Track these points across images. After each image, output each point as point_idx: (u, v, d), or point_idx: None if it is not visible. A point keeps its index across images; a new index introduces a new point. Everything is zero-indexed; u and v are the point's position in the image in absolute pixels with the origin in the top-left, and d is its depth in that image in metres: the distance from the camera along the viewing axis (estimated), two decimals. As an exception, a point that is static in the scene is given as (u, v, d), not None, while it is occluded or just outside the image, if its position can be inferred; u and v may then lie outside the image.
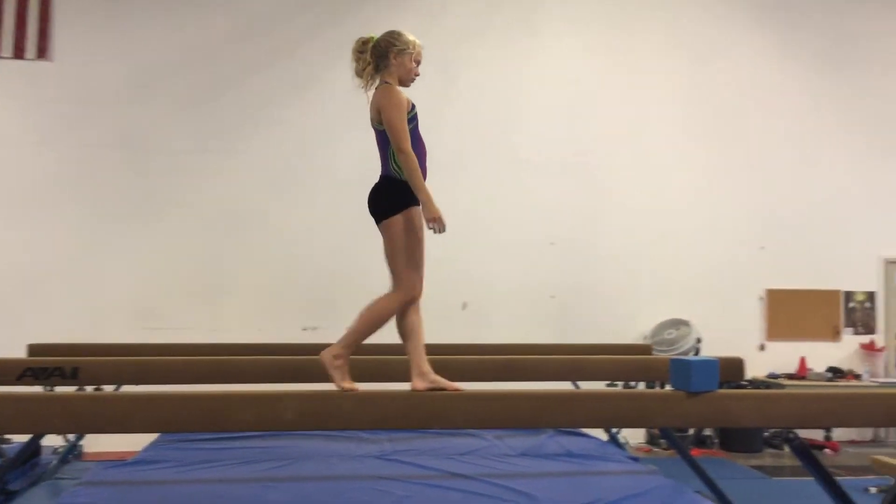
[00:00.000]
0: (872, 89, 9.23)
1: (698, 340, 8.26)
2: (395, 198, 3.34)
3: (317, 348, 5.61)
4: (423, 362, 3.29)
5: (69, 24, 8.14)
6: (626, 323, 8.45)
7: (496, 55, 8.71)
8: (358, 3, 8.50)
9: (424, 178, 3.35)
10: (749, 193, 8.95)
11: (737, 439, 8.18)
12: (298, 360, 4.69)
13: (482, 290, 8.36)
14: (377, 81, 3.47)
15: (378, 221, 3.38)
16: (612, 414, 3.35)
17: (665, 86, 8.95)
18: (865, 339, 9.03)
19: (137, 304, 7.91)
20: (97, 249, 7.97)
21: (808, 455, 3.36)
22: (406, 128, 3.31)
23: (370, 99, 3.46)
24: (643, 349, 6.41)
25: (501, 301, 8.37)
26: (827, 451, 8.20)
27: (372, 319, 3.34)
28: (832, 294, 9.06)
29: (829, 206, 9.01)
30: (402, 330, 3.39)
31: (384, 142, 3.38)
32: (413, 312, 3.39)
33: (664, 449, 8.01)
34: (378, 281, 8.87)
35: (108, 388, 4.66)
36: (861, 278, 9.09)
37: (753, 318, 8.93)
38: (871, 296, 9.12)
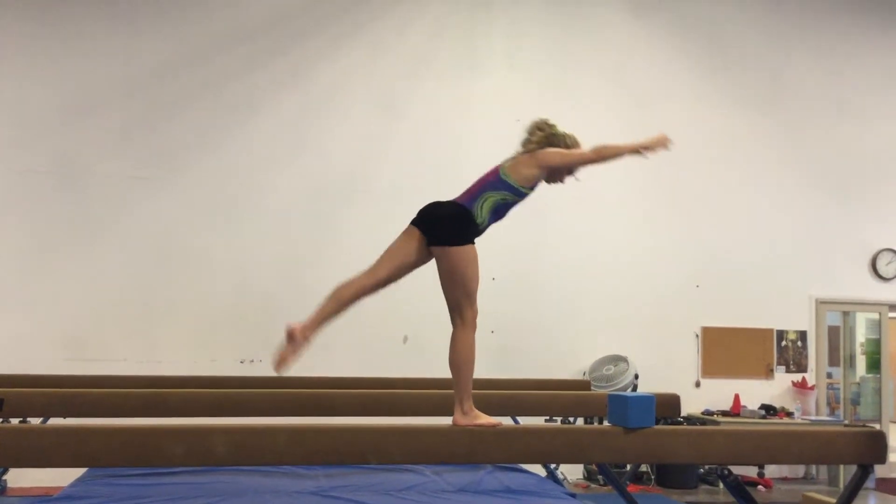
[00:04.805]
0: (804, 131, 9.53)
1: (636, 377, 8.34)
2: (469, 230, 3.36)
3: (254, 381, 5.55)
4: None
5: (2, 47, 7.96)
6: (565, 359, 8.50)
7: (440, 91, 8.78)
8: (302, 35, 8.49)
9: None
10: (685, 232, 9.13)
11: (673, 475, 8.26)
12: (235, 394, 4.60)
13: (423, 324, 8.32)
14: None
15: (443, 243, 3.33)
16: (549, 449, 3.35)
17: (605, 125, 9.08)
18: (797, 377, 9.22)
19: (68, 333, 7.66)
20: (27, 276, 7.74)
21: (742, 491, 3.40)
22: (569, 152, 3.50)
23: (521, 156, 3.57)
24: (582, 385, 6.44)
25: (442, 335, 8.33)
26: (760, 487, 8.31)
27: (463, 363, 3.32)
28: (765, 332, 9.25)
29: (762, 247, 9.23)
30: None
31: (494, 185, 3.44)
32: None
33: (602, 485, 8.04)
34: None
35: (35, 421, 4.50)
36: (792, 317, 9.31)
37: (689, 355, 9.06)
38: (802, 335, 9.33)
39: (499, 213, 3.45)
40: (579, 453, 3.53)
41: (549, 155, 3.49)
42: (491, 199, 3.41)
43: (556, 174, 3.59)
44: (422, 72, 8.78)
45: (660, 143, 3.49)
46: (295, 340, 3.21)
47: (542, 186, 3.65)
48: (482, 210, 3.39)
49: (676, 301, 8.96)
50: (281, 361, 3.23)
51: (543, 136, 3.56)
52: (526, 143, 3.59)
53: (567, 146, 3.55)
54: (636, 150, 3.52)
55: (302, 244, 8.23)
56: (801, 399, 9.05)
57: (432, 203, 3.44)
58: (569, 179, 3.62)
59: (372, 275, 3.40)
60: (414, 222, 3.41)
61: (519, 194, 3.46)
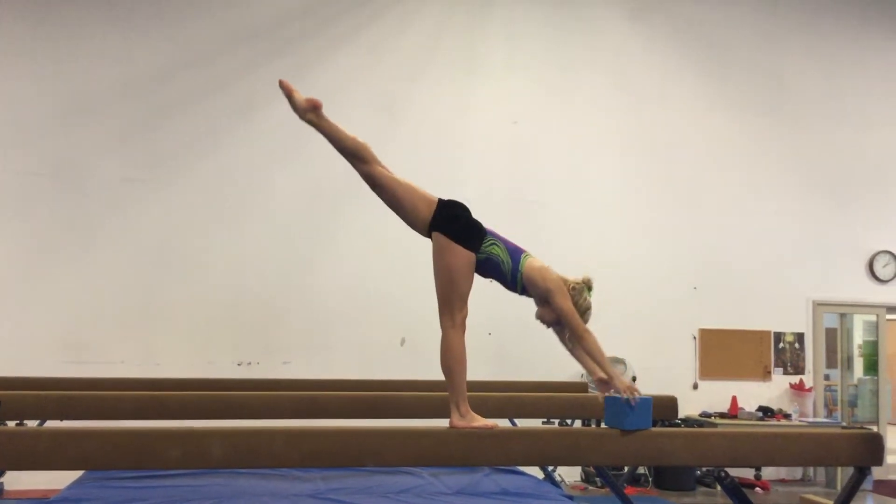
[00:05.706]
0: (802, 134, 9.54)
1: (633, 379, 8.33)
2: (472, 242, 3.39)
3: (251, 384, 5.55)
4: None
5: (0, 49, 7.96)
6: (562, 361, 8.41)
7: (439, 92, 8.78)
8: (300, 38, 8.50)
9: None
10: (683, 234, 9.13)
11: (670, 477, 8.26)
12: (232, 396, 4.59)
13: (421, 326, 8.30)
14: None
15: (446, 234, 3.35)
16: (547, 451, 3.35)
17: (604, 127, 9.11)
18: (794, 379, 9.22)
19: (66, 335, 7.66)
20: (25, 279, 7.74)
21: (739, 493, 3.40)
22: (571, 310, 3.52)
23: (551, 271, 3.60)
24: (579, 387, 6.44)
25: (439, 338, 8.34)
26: (758, 489, 8.31)
27: (454, 364, 3.32)
28: (763, 334, 9.26)
29: (760, 249, 9.24)
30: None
31: (510, 251, 3.50)
32: None
33: (599, 487, 8.03)
34: (314, 318, 8.75)
35: (32, 423, 4.49)
36: (790, 320, 9.32)
37: (687, 357, 9.06)
38: (799, 337, 9.34)
39: (488, 266, 3.46)
40: (577, 455, 3.52)
41: (559, 292, 3.49)
42: (498, 251, 3.45)
43: (546, 311, 3.61)
44: (421, 73, 8.78)
45: (627, 392, 3.37)
46: (309, 103, 3.49)
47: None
48: (488, 246, 3.43)
49: (674, 303, 8.96)
50: (290, 88, 3.50)
51: (577, 284, 3.61)
52: (566, 279, 3.60)
53: (576, 305, 3.57)
54: (607, 376, 3.51)
55: (300, 246, 8.22)
56: (799, 401, 9.05)
57: (465, 206, 3.46)
58: (550, 330, 3.66)
59: (387, 174, 3.52)
60: (440, 200, 3.44)
61: (512, 276, 3.51)
